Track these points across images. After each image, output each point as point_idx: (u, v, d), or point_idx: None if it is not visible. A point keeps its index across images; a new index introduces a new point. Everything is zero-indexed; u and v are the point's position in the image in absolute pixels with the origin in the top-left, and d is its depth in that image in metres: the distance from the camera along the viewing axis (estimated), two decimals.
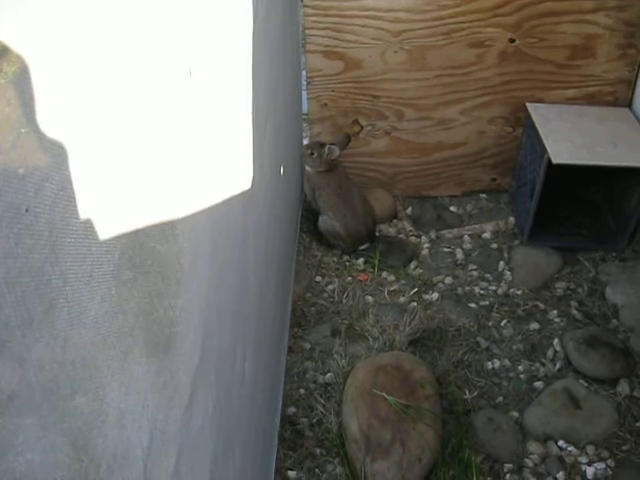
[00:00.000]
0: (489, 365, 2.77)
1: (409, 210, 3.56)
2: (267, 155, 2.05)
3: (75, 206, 0.71)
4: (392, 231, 3.42)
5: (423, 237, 3.39)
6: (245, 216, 1.61)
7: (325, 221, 3.22)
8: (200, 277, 1.17)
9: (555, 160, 2.91)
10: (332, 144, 3.15)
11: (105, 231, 0.79)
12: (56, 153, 0.68)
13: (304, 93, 3.36)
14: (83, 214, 0.73)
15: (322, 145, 3.17)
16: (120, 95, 0.83)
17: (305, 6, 3.04)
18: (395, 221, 3.49)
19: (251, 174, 1.66)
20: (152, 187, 0.95)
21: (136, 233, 0.89)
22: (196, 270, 1.14)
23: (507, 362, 2.79)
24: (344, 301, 3.01)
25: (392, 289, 3.08)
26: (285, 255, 2.80)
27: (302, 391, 2.64)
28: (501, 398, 2.65)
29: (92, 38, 0.74)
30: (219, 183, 1.32)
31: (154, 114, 0.94)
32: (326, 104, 3.31)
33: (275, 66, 2.33)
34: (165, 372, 1.00)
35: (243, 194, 1.55)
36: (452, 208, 3.58)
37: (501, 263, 3.22)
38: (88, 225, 0.75)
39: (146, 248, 0.92)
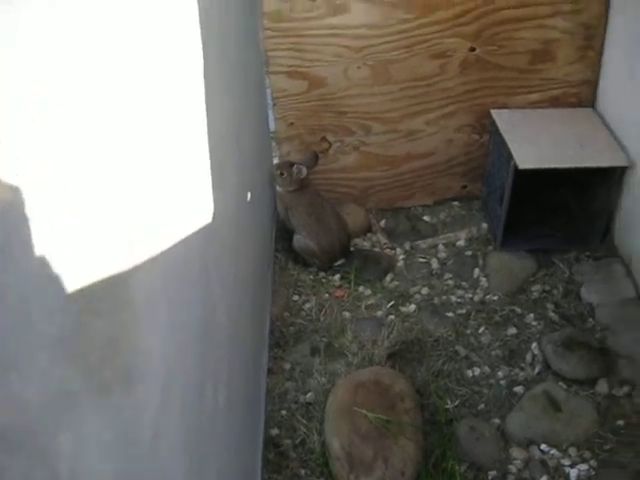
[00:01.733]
0: (469, 373, 2.79)
1: (383, 222, 3.57)
2: (231, 185, 2.07)
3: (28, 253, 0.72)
4: (367, 245, 3.44)
5: (398, 249, 3.40)
6: (206, 251, 1.62)
7: (299, 240, 3.24)
8: (157, 320, 1.18)
9: (521, 165, 2.94)
10: (299, 163, 3.17)
11: (59, 278, 0.80)
12: None
13: (271, 112, 3.37)
14: (37, 264, 0.74)
15: (291, 165, 3.19)
16: (64, 139, 0.83)
17: (266, 29, 3.06)
18: (369, 234, 3.50)
19: (212, 208, 1.67)
20: (105, 232, 0.96)
21: (91, 278, 0.90)
22: (153, 313, 1.16)
23: (487, 369, 2.81)
24: (322, 319, 3.02)
25: (369, 303, 3.09)
26: (260, 277, 2.82)
27: (284, 412, 2.65)
28: (482, 405, 2.67)
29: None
30: (173, 224, 1.33)
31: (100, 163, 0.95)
32: (293, 123, 3.33)
33: (236, 93, 2.35)
34: (124, 413, 1.01)
35: (203, 229, 1.57)
36: (425, 218, 3.60)
37: (476, 270, 3.24)
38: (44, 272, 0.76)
39: (102, 293, 0.93)
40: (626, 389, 2.67)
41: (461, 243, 3.40)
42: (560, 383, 2.70)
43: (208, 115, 1.67)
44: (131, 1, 1.12)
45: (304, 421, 2.59)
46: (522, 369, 2.79)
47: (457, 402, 2.68)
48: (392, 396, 2.51)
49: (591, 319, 2.97)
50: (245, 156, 2.51)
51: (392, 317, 3.01)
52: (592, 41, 3.21)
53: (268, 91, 3.30)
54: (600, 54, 3.24)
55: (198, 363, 1.49)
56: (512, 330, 2.95)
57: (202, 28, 1.64)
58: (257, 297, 2.67)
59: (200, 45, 1.62)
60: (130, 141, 1.08)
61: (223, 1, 2.12)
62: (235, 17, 2.43)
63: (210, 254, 1.67)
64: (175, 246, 1.30)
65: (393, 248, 3.41)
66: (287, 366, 2.82)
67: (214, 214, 1.69)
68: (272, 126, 3.45)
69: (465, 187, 3.63)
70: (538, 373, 2.77)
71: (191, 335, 1.43)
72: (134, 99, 1.11)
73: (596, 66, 3.27)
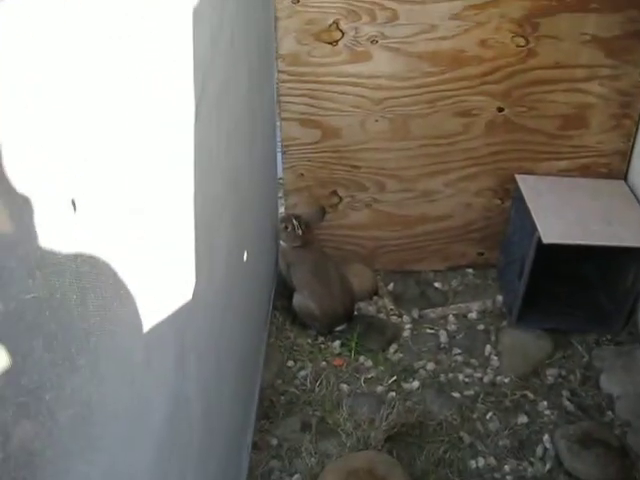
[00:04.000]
0: (473, 464, 2.54)
1: (391, 286, 3.33)
2: (223, 249, 1.84)
3: None
4: (372, 310, 3.19)
5: (405, 316, 3.15)
6: (183, 335, 1.38)
7: (299, 300, 3.00)
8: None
9: (546, 239, 2.72)
10: (305, 217, 2.98)
11: None
12: None
13: (280, 159, 3.15)
14: None
15: (297, 218, 2.97)
16: None
17: (280, 72, 2.85)
18: (375, 298, 3.25)
19: (193, 284, 1.44)
20: None
21: None
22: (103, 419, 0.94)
23: (492, 460, 2.55)
24: (317, 389, 2.77)
25: (369, 376, 2.84)
26: (252, 342, 2.58)
27: None
28: None
29: None
30: (138, 313, 1.10)
31: None
32: (302, 174, 3.11)
33: (240, 140, 2.14)
34: None
35: (179, 311, 1.34)
36: (436, 284, 3.35)
37: (488, 347, 2.99)
38: None
39: None
40: None
41: (473, 315, 3.16)
42: None
43: (197, 167, 1.44)
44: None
45: None
46: (531, 464, 2.54)
47: None
48: None
49: (610, 412, 2.73)
50: (245, 211, 2.28)
51: (393, 394, 2.76)
52: (628, 109, 3.00)
53: (278, 137, 3.08)
54: (636, 123, 3.03)
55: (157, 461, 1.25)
56: (523, 418, 2.70)
57: (197, 67, 1.43)
58: (246, 366, 2.44)
59: (192, 85, 1.40)
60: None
61: (229, 37, 1.91)
62: (245, 55, 2.23)
63: (188, 337, 1.44)
64: (134, 342, 1.07)
65: (400, 315, 3.16)
66: (274, 441, 2.57)
67: (195, 290, 1.46)
68: (280, 172, 3.23)
69: (481, 254, 3.39)
70: (549, 470, 2.52)
71: (147, 448, 1.20)
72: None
73: (631, 136, 3.06)
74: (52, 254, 0.79)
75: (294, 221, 2.97)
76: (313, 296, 2.97)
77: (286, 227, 2.99)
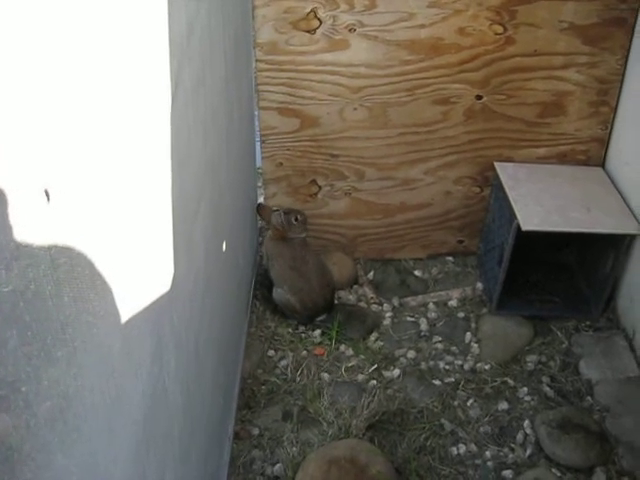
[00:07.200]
0: (454, 451, 2.55)
1: (371, 274, 3.33)
2: (200, 238, 1.83)
3: None
4: (352, 298, 3.19)
5: (385, 305, 3.16)
6: (160, 324, 1.37)
7: (280, 295, 2.99)
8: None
9: (525, 227, 2.73)
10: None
11: None
12: None
13: (258, 148, 3.14)
14: None
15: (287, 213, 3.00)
16: None
17: (258, 61, 2.84)
18: (356, 287, 3.26)
19: (171, 274, 1.43)
20: None
21: None
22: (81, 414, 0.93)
23: (473, 447, 2.56)
24: (298, 379, 2.77)
25: (350, 365, 2.84)
26: (232, 332, 2.57)
27: None
28: None
29: None
30: (116, 302, 1.09)
31: None
32: (281, 163, 3.10)
33: (217, 129, 2.12)
34: None
35: (158, 300, 1.33)
36: (417, 272, 3.36)
37: (468, 334, 3.00)
38: None
39: None
40: None
41: (453, 303, 3.17)
42: (553, 470, 2.46)
43: (173, 156, 1.44)
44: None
45: None
46: (512, 450, 2.55)
47: None
48: (368, 478, 2.26)
49: (589, 397, 2.74)
50: (223, 200, 2.27)
51: (374, 382, 2.77)
52: (606, 96, 3.01)
53: (257, 126, 3.07)
54: (614, 111, 3.04)
55: (135, 461, 1.24)
56: (503, 405, 2.71)
57: (173, 54, 1.41)
58: (227, 354, 2.43)
59: (168, 72, 1.39)
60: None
61: (205, 27, 1.89)
62: (222, 43, 2.21)
63: (167, 327, 1.43)
64: (113, 330, 1.07)
65: (380, 303, 3.17)
66: (255, 431, 2.57)
67: (174, 279, 1.45)
68: (259, 162, 3.22)
69: (461, 242, 3.40)
70: (529, 456, 2.53)
71: (124, 435, 1.19)
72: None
73: (608, 123, 3.07)
74: (26, 245, 0.77)
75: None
76: (293, 290, 2.97)
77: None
